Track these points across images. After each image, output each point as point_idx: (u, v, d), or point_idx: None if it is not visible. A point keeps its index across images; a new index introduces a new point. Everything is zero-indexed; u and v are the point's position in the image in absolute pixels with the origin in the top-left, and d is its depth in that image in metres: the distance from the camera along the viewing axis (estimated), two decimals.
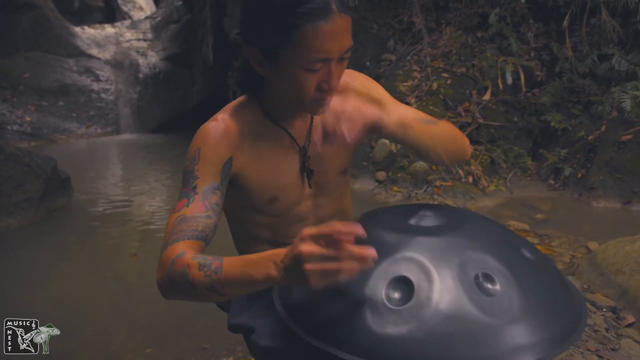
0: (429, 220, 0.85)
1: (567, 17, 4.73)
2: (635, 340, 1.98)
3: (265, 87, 0.98)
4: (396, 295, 0.71)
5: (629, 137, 3.93)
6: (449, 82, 4.99)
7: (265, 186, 1.00)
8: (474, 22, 5.44)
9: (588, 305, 2.25)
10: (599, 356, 1.89)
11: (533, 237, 3.20)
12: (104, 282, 2.88)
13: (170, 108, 8.77)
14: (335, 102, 0.97)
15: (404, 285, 0.72)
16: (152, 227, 3.83)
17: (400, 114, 1.02)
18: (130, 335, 2.30)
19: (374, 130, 0.94)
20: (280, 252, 0.71)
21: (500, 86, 4.78)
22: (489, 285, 0.73)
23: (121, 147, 7.59)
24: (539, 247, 2.95)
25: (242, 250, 1.16)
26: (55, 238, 3.51)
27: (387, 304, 0.71)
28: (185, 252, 0.81)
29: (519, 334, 0.70)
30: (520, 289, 0.75)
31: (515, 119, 4.77)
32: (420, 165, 4.29)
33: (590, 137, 4.25)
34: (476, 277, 0.73)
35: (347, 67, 0.99)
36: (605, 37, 4.58)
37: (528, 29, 5.15)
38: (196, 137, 0.96)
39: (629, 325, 2.08)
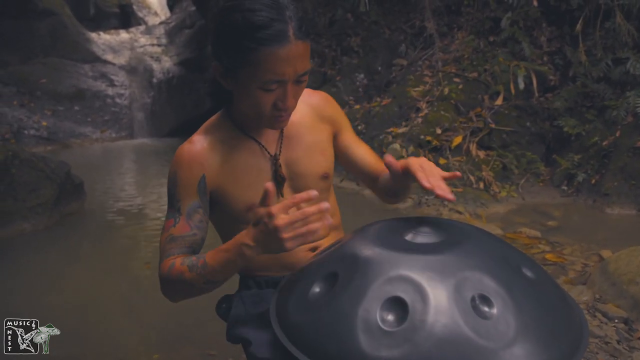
0: (426, 236, 0.84)
1: (580, 21, 4.67)
2: None
3: (234, 99, 1.05)
4: (390, 317, 0.71)
5: None
6: (460, 87, 4.96)
7: (240, 195, 1.05)
8: (486, 26, 5.40)
9: (599, 315, 2.22)
10: None
11: (545, 244, 3.16)
12: (114, 287, 2.90)
13: (184, 113, 8.85)
14: (305, 113, 1.12)
15: (399, 306, 0.71)
16: (159, 231, 3.86)
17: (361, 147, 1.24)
18: (138, 340, 2.32)
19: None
20: (245, 234, 0.86)
21: (513, 91, 4.74)
22: (486, 308, 0.72)
23: (135, 151, 7.67)
24: (549, 255, 2.93)
25: None
26: (68, 243, 3.55)
27: (381, 325, 0.70)
28: (175, 261, 0.96)
29: (515, 359, 0.69)
30: (517, 311, 0.73)
31: (528, 124, 4.72)
32: None
33: (604, 143, 4.19)
34: (472, 299, 0.72)
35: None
36: (620, 40, 4.51)
37: (541, 33, 5.09)
38: (173, 161, 1.05)
39: None
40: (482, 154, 4.47)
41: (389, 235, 0.86)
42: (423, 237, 0.85)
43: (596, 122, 4.40)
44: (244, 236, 0.86)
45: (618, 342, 2.01)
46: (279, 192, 1.09)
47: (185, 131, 8.59)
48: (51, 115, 7.82)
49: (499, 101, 4.81)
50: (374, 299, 0.73)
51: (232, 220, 1.08)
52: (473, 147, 4.42)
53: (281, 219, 0.80)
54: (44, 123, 7.67)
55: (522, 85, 4.66)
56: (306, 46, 0.91)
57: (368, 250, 0.82)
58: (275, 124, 1.00)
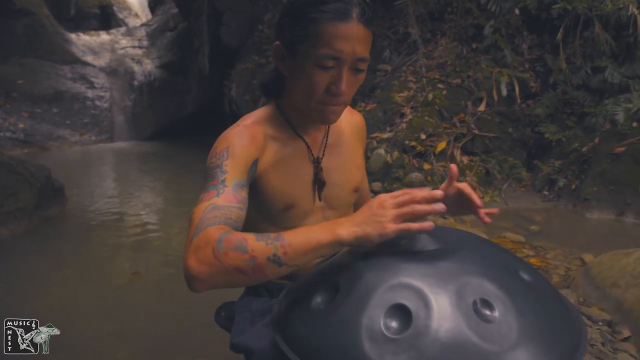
0: (424, 243, 0.84)
1: (561, 30, 4.77)
2: (631, 355, 1.98)
3: (285, 92, 1.04)
4: (394, 323, 0.70)
5: (622, 149, 3.96)
6: (444, 93, 5.01)
7: (282, 193, 1.02)
8: (469, 33, 5.48)
9: (584, 319, 2.25)
10: None
11: (528, 249, 3.20)
12: (96, 293, 2.84)
13: (165, 116, 8.77)
14: (347, 123, 1.13)
15: (402, 313, 0.71)
16: (146, 236, 3.81)
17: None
18: (123, 349, 2.26)
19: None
20: (343, 218, 0.80)
21: (495, 97, 4.81)
22: (487, 312, 0.72)
23: (115, 155, 7.56)
24: (534, 260, 2.97)
25: None
26: (48, 248, 3.47)
27: (385, 332, 0.70)
28: (231, 231, 0.78)
29: None
30: (518, 314, 0.74)
31: (510, 130, 4.79)
32: (416, 176, 4.29)
33: (584, 149, 4.27)
34: (474, 303, 0.73)
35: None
36: (598, 49, 4.62)
37: (522, 40, 5.19)
38: (222, 140, 0.96)
39: (625, 340, 2.08)
40: (465, 159, 4.51)
41: (387, 244, 0.86)
42: (421, 244, 0.85)
43: (576, 129, 4.49)
44: (339, 220, 0.79)
45: (603, 344, 2.04)
46: (319, 196, 1.08)
47: (167, 134, 8.57)
48: (28, 117, 7.67)
49: (482, 107, 4.87)
50: (377, 307, 0.72)
51: (260, 219, 1.03)
52: (457, 153, 4.47)
53: (387, 195, 0.79)
54: (21, 125, 7.51)
55: (505, 92, 4.73)
56: (367, 33, 0.92)
57: (367, 260, 0.82)
58: (326, 115, 0.97)
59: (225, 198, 0.85)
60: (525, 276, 0.84)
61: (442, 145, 4.52)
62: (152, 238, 3.77)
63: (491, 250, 0.88)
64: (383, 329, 0.70)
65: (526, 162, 4.73)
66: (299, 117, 1.04)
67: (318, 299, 0.80)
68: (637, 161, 3.83)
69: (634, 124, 3.97)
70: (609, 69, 4.43)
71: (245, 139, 0.96)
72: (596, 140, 4.22)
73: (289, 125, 1.04)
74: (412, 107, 4.98)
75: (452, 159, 4.45)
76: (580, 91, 4.64)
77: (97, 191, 5.34)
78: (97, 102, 8.33)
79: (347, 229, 0.77)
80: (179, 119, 8.76)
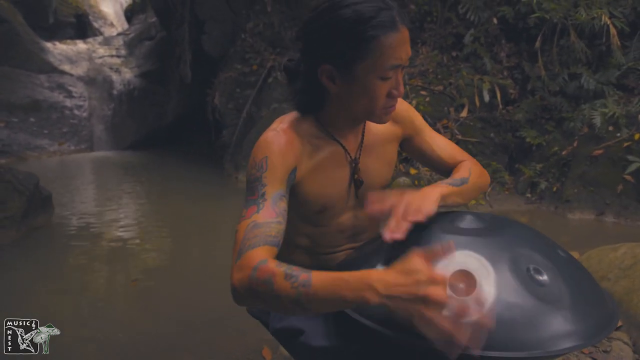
0: (473, 223, 0.91)
1: (539, 38, 4.97)
2: (624, 342, 2.08)
3: (325, 105, 1.03)
4: (461, 285, 0.77)
5: (600, 151, 4.14)
6: (427, 99, 5.15)
7: (318, 196, 1.04)
8: (448, 42, 5.65)
9: None
10: (593, 358, 1.99)
11: None
12: (95, 300, 2.82)
13: (145, 125, 8.69)
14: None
15: (466, 277, 0.78)
16: (134, 244, 3.78)
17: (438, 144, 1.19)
18: (126, 352, 2.25)
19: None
20: (379, 277, 0.72)
21: (477, 104, 4.96)
22: (539, 277, 0.80)
23: (95, 164, 7.45)
24: None
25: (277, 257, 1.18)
26: (36, 257, 3.41)
27: (453, 294, 0.76)
28: (267, 259, 0.81)
29: (570, 320, 0.77)
30: (564, 281, 0.82)
31: (492, 135, 4.95)
32: (404, 180, 4.39)
33: (563, 152, 4.45)
34: (527, 269, 0.81)
35: None
36: (574, 57, 4.83)
37: (501, 49, 5.38)
38: (260, 147, 0.98)
39: (618, 329, 2.18)
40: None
41: (441, 223, 0.92)
42: (470, 223, 0.92)
43: (555, 133, 4.68)
44: (377, 276, 0.72)
45: None
46: (356, 195, 1.10)
47: (146, 144, 8.48)
48: (4, 127, 7.50)
49: (464, 113, 5.02)
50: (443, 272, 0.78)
51: (293, 218, 1.03)
52: None
53: (439, 291, 0.69)
54: None
55: (487, 98, 4.89)
56: (408, 32, 0.94)
57: (422, 235, 0.88)
58: (385, 117, 1.00)
59: (265, 213, 0.89)
60: (562, 253, 0.92)
61: None
62: (139, 246, 3.74)
63: (531, 230, 0.97)
64: (450, 291, 0.76)
65: (508, 166, 4.89)
66: (337, 124, 1.05)
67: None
68: (615, 163, 4.01)
69: (610, 128, 4.16)
70: (585, 76, 4.64)
71: (283, 145, 0.97)
72: (575, 144, 4.40)
73: (324, 130, 1.05)
74: None
75: None
76: (557, 97, 4.83)
77: (81, 200, 5.27)
78: (76, 112, 8.21)
79: (376, 296, 0.70)
80: (159, 127, 8.69)
